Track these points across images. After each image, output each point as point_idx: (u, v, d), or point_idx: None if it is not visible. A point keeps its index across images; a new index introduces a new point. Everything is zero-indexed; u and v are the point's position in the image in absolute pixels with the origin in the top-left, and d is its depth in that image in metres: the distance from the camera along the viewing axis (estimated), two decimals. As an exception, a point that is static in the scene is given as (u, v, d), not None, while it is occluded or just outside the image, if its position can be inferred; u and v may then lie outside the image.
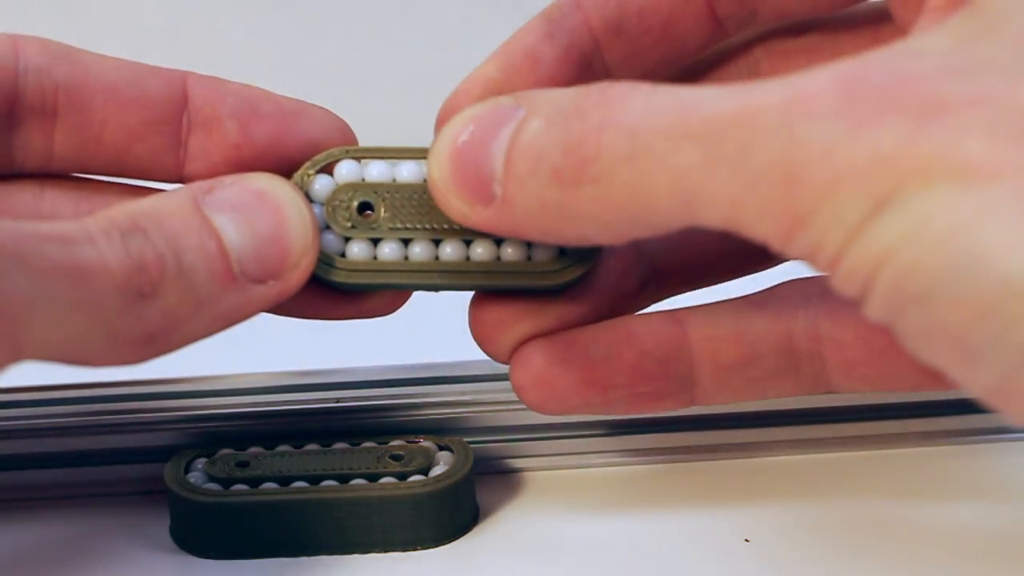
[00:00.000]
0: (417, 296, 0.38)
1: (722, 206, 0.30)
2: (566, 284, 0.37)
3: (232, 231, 0.34)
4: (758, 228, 0.30)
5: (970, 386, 0.29)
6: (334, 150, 0.37)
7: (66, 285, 0.31)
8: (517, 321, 0.37)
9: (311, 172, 0.37)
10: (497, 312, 0.37)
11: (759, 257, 0.39)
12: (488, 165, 0.33)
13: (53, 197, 0.38)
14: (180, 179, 0.37)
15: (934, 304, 0.28)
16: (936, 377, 0.36)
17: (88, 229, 0.32)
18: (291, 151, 0.37)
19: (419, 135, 0.72)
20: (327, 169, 0.37)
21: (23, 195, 0.37)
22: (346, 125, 0.38)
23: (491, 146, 0.33)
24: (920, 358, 0.29)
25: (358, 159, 0.37)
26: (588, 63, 0.37)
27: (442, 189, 0.34)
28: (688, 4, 0.37)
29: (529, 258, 0.36)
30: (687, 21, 0.37)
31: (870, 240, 0.28)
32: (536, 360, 0.37)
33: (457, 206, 0.34)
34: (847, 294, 0.30)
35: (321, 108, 0.38)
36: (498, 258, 0.36)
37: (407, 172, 0.36)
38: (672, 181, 0.30)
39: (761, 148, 0.29)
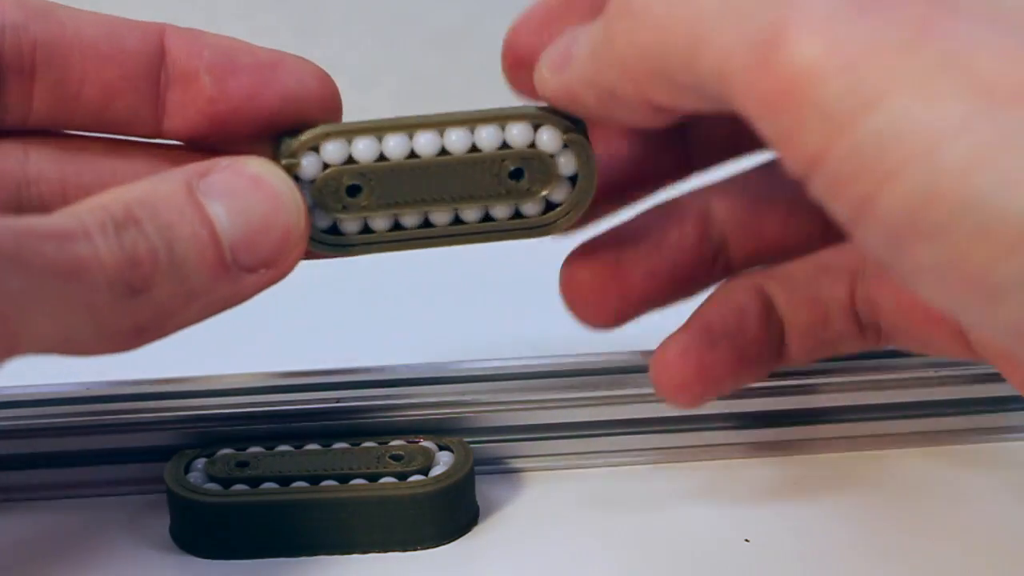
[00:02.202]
0: (416, 296, 0.38)
1: (716, 58, 0.29)
2: (555, 228, 0.37)
3: (225, 218, 0.34)
4: (739, 88, 0.28)
5: (988, 326, 0.27)
6: (318, 131, 0.36)
7: (61, 283, 0.31)
8: (603, 287, 0.38)
9: (298, 155, 0.36)
10: (586, 276, 0.38)
11: (821, 233, 0.39)
12: (577, 37, 0.34)
13: (38, 159, 0.38)
14: (159, 134, 0.37)
15: (952, 238, 0.26)
16: (970, 349, 0.36)
17: (84, 222, 0.32)
18: (268, 104, 0.37)
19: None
20: (313, 146, 0.36)
21: (8, 159, 0.37)
22: (324, 74, 0.38)
23: (585, 27, 0.34)
24: (926, 297, 0.27)
25: (344, 137, 0.36)
26: None
27: (539, 63, 0.35)
28: None
29: (518, 214, 0.36)
30: None
31: (865, 149, 0.26)
32: (672, 351, 0.37)
33: (541, 74, 0.35)
34: (832, 208, 0.28)
35: (299, 57, 0.38)
36: (488, 219, 0.36)
37: (394, 145, 0.36)
38: (690, 23, 0.29)
39: (765, 3, 0.28)
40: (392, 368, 0.43)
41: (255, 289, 0.35)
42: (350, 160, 0.36)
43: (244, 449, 0.40)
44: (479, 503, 0.40)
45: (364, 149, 0.36)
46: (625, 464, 0.42)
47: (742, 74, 0.28)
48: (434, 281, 0.42)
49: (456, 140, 0.36)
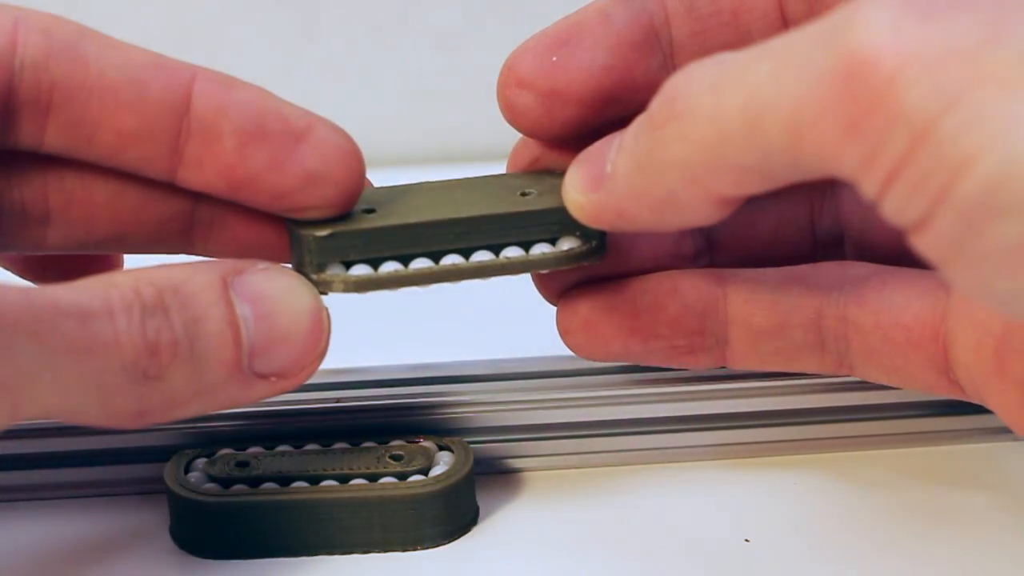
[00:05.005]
0: (417, 296, 0.38)
1: (786, 114, 0.29)
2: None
3: (252, 324, 0.34)
4: (816, 134, 0.28)
5: None
6: (351, 278, 0.36)
7: (74, 361, 0.31)
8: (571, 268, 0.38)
9: (326, 290, 0.36)
10: None
11: (809, 249, 0.40)
12: (606, 153, 0.34)
13: (21, 166, 0.37)
14: (172, 181, 0.37)
15: None
16: (948, 379, 0.36)
17: (110, 303, 0.32)
18: (287, 181, 0.36)
19: (418, 135, 0.72)
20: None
21: None
22: (351, 149, 0.36)
23: (611, 143, 0.35)
24: (992, 286, 0.28)
25: (375, 287, 0.36)
26: (656, 34, 0.37)
27: (566, 186, 0.35)
28: None
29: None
30: (755, 12, 0.37)
31: (944, 144, 0.27)
32: (583, 305, 0.39)
33: (574, 197, 0.35)
34: (906, 214, 0.28)
35: (330, 129, 0.36)
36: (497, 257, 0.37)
37: (420, 283, 0.37)
38: (745, 100, 0.30)
39: (825, 45, 0.28)
40: (392, 368, 0.42)
41: (263, 395, 0.35)
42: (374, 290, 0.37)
43: (244, 449, 0.40)
44: (479, 503, 0.40)
45: (389, 291, 0.37)
46: (625, 464, 0.42)
47: (819, 116, 0.28)
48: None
49: (482, 280, 0.37)
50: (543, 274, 0.39)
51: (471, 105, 0.68)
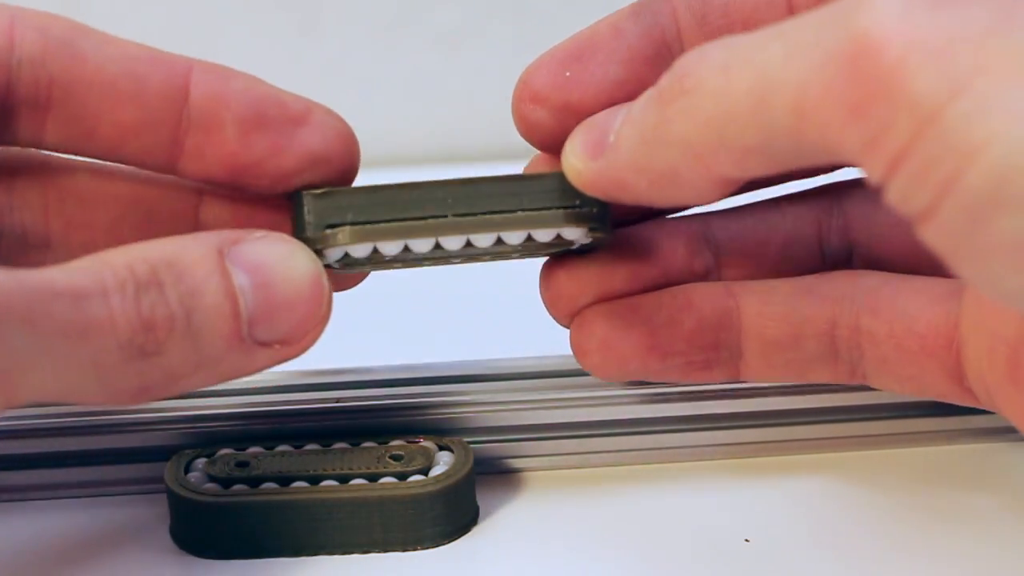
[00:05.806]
0: (416, 296, 0.38)
1: (791, 94, 0.29)
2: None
3: (249, 292, 0.34)
4: (819, 115, 0.29)
5: None
6: (348, 233, 0.36)
7: (70, 345, 0.31)
8: (582, 288, 0.39)
9: (325, 252, 0.36)
10: (564, 278, 0.39)
11: (817, 268, 0.39)
12: (610, 123, 0.34)
13: (23, 188, 0.37)
14: (173, 172, 0.37)
15: None
16: (962, 387, 0.36)
17: (103, 282, 0.32)
18: (290, 163, 0.36)
19: (418, 135, 0.72)
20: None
21: None
22: (348, 131, 0.37)
23: (615, 113, 0.35)
24: (1000, 280, 0.28)
25: (372, 240, 0.36)
26: (668, 48, 0.37)
27: (566, 152, 0.35)
28: (771, 6, 0.37)
29: (530, 238, 0.37)
30: (768, 23, 0.37)
31: (950, 132, 0.27)
32: (599, 325, 0.38)
33: (573, 163, 0.35)
34: (911, 203, 0.28)
35: (326, 112, 0.37)
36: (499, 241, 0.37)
37: (419, 245, 0.36)
38: (752, 81, 0.30)
39: (834, 27, 0.28)
40: (392, 368, 0.42)
41: (267, 363, 0.35)
42: (375, 251, 0.36)
43: (244, 449, 0.40)
44: (479, 503, 0.40)
45: (390, 250, 0.36)
46: (625, 464, 0.42)
47: (823, 97, 0.28)
48: (434, 280, 0.42)
49: (482, 240, 0.37)
50: (553, 292, 0.39)
51: (471, 105, 0.68)
